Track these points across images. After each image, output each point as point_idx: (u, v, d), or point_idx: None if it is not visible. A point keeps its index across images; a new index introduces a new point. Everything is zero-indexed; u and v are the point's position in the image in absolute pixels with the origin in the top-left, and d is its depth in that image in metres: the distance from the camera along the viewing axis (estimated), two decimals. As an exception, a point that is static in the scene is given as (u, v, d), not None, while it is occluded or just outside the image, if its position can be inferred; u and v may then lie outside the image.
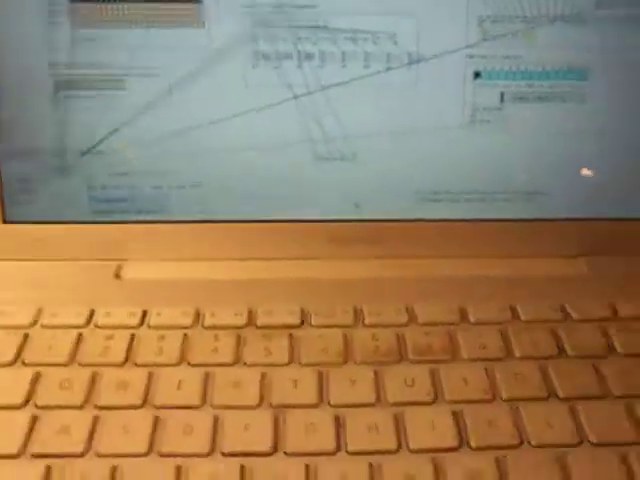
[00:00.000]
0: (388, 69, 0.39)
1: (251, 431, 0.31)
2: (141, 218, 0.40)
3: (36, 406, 0.32)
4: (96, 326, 0.36)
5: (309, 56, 0.38)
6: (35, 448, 0.30)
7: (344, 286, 0.39)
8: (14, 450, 0.30)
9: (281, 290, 0.39)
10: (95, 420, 0.31)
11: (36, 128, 0.39)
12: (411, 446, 0.30)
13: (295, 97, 0.39)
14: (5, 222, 0.40)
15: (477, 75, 0.39)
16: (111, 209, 0.40)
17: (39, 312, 0.37)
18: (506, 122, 0.40)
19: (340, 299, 0.38)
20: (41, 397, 0.32)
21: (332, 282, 0.39)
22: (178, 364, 0.34)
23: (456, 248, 0.41)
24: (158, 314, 0.37)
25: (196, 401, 0.32)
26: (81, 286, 0.39)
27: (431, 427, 0.31)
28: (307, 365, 0.34)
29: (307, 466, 0.29)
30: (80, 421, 0.31)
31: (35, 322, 0.36)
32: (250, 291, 0.38)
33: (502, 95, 0.39)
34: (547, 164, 0.40)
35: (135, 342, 0.35)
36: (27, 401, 0.32)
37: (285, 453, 0.30)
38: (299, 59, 0.38)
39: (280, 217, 0.40)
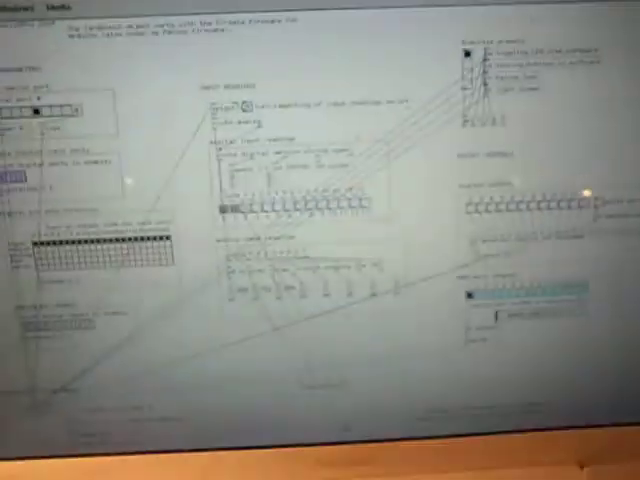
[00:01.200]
0: (373, 295, 0.36)
1: None
2: (119, 450, 0.38)
3: None
4: None
5: (289, 287, 0.36)
6: None
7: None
8: None
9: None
10: None
11: (5, 368, 0.37)
12: None
13: (275, 329, 0.36)
14: (-22, 460, 0.38)
15: (469, 295, 0.37)
16: (87, 442, 0.38)
17: None
18: (501, 339, 0.37)
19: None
20: None
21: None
22: None
23: (454, 464, 0.39)
24: None
25: None
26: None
27: None
28: None
29: None
30: None
31: None
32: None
33: (496, 314, 0.37)
34: (544, 377, 0.38)
35: None
36: None
37: None
38: (278, 290, 0.36)
39: (264, 443, 0.38)
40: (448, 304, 0.37)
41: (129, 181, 0.34)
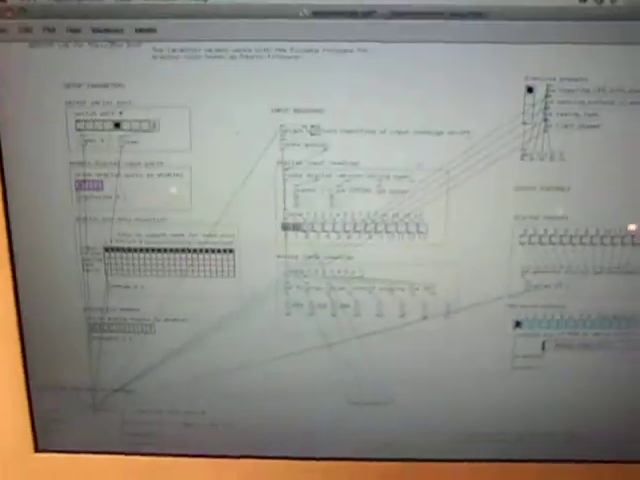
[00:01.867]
0: (424, 318, 0.37)
1: None
2: (168, 451, 0.40)
3: None
4: None
5: (344, 305, 0.37)
6: None
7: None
8: None
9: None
10: None
11: (69, 365, 0.39)
12: None
13: (328, 345, 0.38)
14: (37, 451, 0.40)
15: (517, 324, 0.38)
16: (140, 442, 0.40)
17: None
18: (547, 369, 0.38)
19: None
20: None
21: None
22: None
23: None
24: None
25: None
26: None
27: None
28: None
29: None
30: None
31: None
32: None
33: (543, 343, 0.38)
34: (588, 408, 0.39)
35: None
36: None
37: None
38: (333, 308, 0.37)
39: (308, 455, 0.39)
40: (496, 331, 0.38)
41: (198, 195, 0.36)
